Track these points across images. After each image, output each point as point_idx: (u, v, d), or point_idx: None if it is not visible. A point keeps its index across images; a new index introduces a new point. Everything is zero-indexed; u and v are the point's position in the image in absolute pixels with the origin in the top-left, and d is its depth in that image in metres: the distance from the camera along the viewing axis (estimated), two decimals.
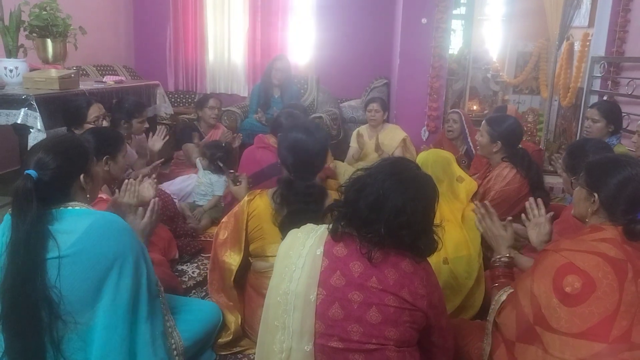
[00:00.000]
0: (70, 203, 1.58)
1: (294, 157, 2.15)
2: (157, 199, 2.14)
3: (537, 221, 2.08)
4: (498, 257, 1.97)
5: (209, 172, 3.76)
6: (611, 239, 1.55)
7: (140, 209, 2.06)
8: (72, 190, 1.60)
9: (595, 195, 1.63)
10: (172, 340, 1.78)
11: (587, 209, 1.67)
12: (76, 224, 1.52)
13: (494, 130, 3.00)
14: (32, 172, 1.48)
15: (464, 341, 1.88)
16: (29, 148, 2.85)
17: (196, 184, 3.80)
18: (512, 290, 1.70)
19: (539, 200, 2.12)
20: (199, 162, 3.86)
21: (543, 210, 2.09)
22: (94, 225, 1.53)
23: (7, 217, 1.52)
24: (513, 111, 3.81)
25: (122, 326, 1.52)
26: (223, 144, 3.93)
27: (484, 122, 3.11)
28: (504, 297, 1.72)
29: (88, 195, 1.67)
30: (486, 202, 2.12)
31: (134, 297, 1.54)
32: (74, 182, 1.60)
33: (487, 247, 2.47)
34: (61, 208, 1.55)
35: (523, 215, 2.15)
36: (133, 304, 1.54)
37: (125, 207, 2.17)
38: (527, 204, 2.14)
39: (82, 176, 1.62)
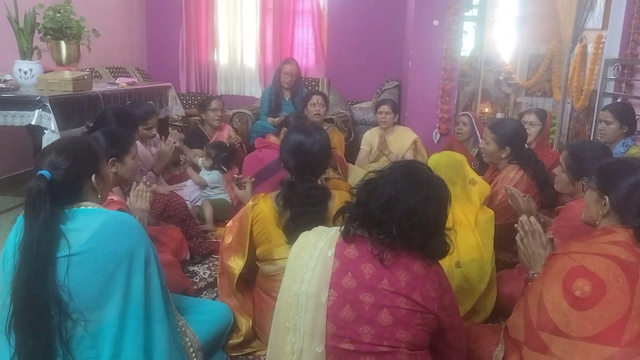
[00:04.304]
0: (83, 203, 1.60)
1: (295, 159, 2.15)
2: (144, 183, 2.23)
3: (533, 250, 1.87)
4: (532, 272, 1.83)
5: (211, 172, 3.78)
6: (623, 242, 1.54)
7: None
8: (84, 191, 1.62)
9: (606, 198, 1.62)
10: (187, 339, 1.80)
11: (598, 212, 1.66)
12: (88, 223, 1.54)
13: (500, 137, 2.98)
14: (45, 173, 1.50)
15: (475, 344, 1.87)
16: (42, 149, 2.88)
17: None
18: None
19: (532, 219, 1.90)
20: (200, 161, 3.86)
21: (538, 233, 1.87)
22: (106, 224, 1.55)
23: (20, 218, 1.54)
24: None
25: (135, 323, 1.53)
26: (227, 144, 3.92)
27: (487, 129, 3.08)
28: None
29: (99, 196, 1.70)
30: (532, 217, 1.91)
31: (146, 295, 1.56)
32: (85, 183, 1.62)
33: (499, 250, 2.45)
34: (74, 208, 1.57)
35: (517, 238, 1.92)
36: (146, 302, 1.56)
37: (138, 213, 2.19)
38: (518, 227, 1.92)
39: (93, 177, 1.64)
